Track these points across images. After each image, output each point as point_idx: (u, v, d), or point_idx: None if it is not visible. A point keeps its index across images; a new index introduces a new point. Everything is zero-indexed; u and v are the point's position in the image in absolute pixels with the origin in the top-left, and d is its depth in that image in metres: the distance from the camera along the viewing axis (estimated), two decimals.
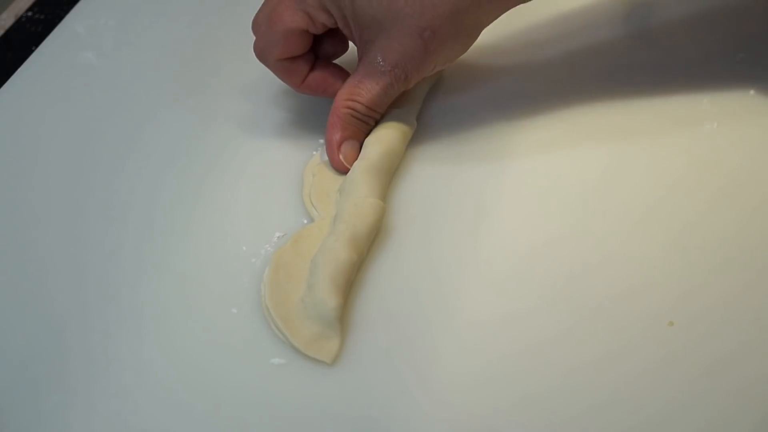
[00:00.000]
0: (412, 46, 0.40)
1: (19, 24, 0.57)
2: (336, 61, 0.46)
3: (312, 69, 0.44)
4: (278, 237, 0.40)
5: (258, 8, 0.44)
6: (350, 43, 0.45)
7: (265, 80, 0.49)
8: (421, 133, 0.45)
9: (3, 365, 0.36)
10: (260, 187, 0.43)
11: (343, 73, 0.45)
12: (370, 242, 0.39)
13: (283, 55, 0.43)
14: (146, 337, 0.37)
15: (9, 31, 0.56)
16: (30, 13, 0.57)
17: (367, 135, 0.44)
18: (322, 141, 0.45)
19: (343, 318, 0.36)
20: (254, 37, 0.44)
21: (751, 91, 0.46)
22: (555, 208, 0.41)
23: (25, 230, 0.41)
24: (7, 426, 0.34)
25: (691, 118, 0.45)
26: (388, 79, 0.42)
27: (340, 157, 0.43)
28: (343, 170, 0.43)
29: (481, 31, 0.43)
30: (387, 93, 0.42)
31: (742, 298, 0.37)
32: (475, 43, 0.43)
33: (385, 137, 0.42)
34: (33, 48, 0.53)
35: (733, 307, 0.37)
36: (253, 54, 0.44)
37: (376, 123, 0.44)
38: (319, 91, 0.45)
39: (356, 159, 0.43)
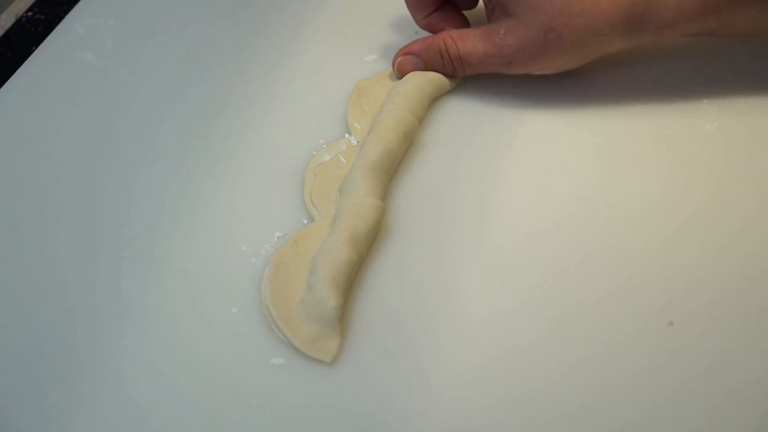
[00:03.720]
0: (533, 38, 0.43)
1: (19, 24, 0.57)
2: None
3: (438, 9, 0.48)
4: (278, 237, 0.40)
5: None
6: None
7: (266, 81, 0.49)
8: (421, 133, 0.45)
9: (7, 363, 0.36)
10: (260, 187, 0.43)
11: (464, 23, 0.48)
12: (370, 242, 0.39)
13: None
14: (146, 336, 0.37)
15: (9, 31, 0.56)
16: (30, 13, 0.57)
17: (438, 71, 0.47)
18: (322, 141, 0.45)
19: (343, 317, 0.36)
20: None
21: (751, 91, 0.46)
22: (556, 206, 0.41)
23: (25, 230, 0.41)
24: (11, 424, 0.34)
25: (691, 117, 0.45)
26: (494, 51, 0.44)
27: (398, 60, 0.47)
28: (393, 70, 0.47)
29: (596, 57, 0.44)
30: (483, 60, 0.45)
31: (742, 297, 0.37)
32: None
33: (385, 137, 0.42)
34: (33, 48, 0.53)
35: (732, 306, 0.37)
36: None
37: (449, 79, 0.47)
38: (435, 30, 0.48)
39: (407, 73, 0.46)
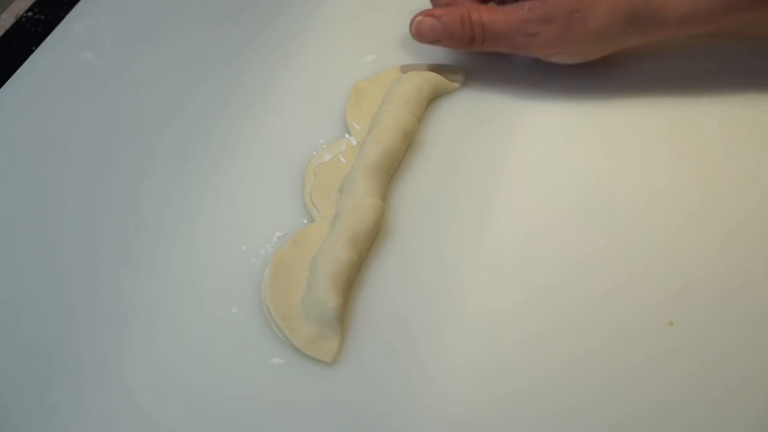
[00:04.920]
0: (558, 17, 0.42)
1: (19, 24, 0.57)
2: None
3: None
4: (278, 237, 0.40)
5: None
6: None
7: (266, 82, 0.49)
8: (421, 133, 0.45)
9: (10, 362, 0.36)
10: (261, 187, 0.43)
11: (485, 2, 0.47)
12: (370, 242, 0.39)
13: None
14: (147, 335, 0.37)
15: (9, 31, 0.56)
16: (30, 13, 0.57)
17: (454, 39, 0.45)
18: (322, 141, 0.45)
19: (343, 317, 0.36)
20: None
21: (751, 91, 0.46)
22: (556, 204, 0.41)
23: (26, 230, 0.41)
24: (13, 422, 0.34)
25: (691, 117, 0.45)
26: (518, 23, 0.43)
27: (416, 20, 0.45)
28: (410, 32, 0.46)
29: (616, 48, 0.44)
30: (506, 32, 0.44)
31: (742, 295, 0.37)
32: None
33: (385, 137, 0.43)
34: (33, 48, 0.53)
35: (732, 304, 0.37)
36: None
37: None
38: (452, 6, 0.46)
39: (424, 35, 0.45)
